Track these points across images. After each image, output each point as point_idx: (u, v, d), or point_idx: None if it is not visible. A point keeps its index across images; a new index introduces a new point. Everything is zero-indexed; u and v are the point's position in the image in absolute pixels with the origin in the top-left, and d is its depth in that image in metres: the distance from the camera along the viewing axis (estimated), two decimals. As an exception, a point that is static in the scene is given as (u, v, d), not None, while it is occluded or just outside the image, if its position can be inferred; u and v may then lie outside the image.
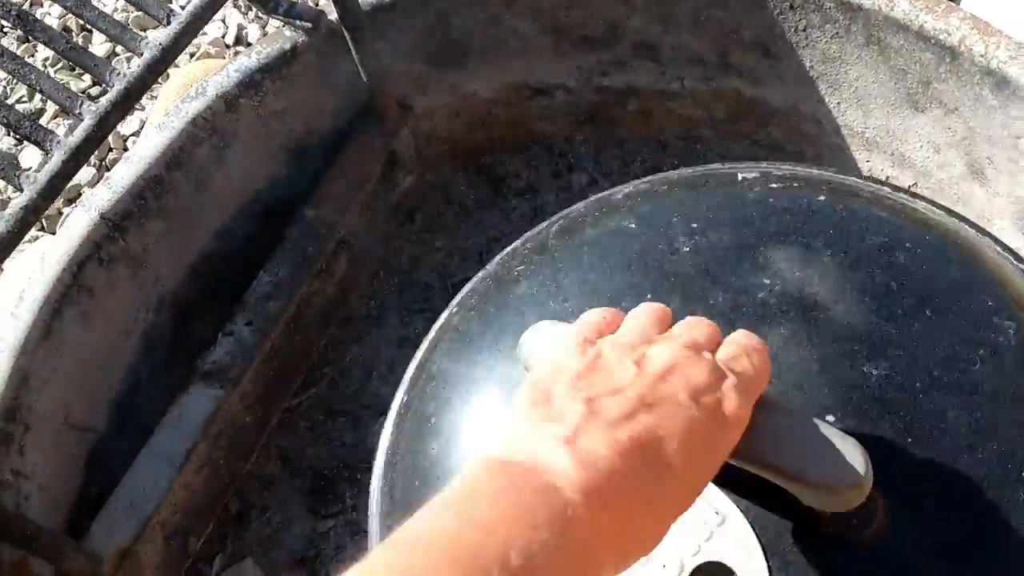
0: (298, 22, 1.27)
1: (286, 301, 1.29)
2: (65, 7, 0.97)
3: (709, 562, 0.58)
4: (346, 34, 1.27)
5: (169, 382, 1.32)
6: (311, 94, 1.36)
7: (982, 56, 1.16)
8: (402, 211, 1.55)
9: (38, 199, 0.92)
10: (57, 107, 1.09)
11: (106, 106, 0.96)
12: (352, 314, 1.50)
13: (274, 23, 1.58)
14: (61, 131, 0.99)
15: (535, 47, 1.44)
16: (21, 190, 0.93)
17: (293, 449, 1.40)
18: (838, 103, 1.37)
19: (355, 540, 1.32)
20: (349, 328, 1.49)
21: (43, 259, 1.15)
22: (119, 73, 0.98)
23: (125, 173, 1.20)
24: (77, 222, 1.17)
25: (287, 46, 1.30)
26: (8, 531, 0.98)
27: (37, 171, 0.94)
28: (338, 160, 1.36)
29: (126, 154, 1.23)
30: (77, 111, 0.96)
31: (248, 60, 1.28)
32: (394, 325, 1.50)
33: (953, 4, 1.20)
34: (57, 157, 0.94)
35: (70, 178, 0.95)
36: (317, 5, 1.34)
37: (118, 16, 1.85)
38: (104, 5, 1.92)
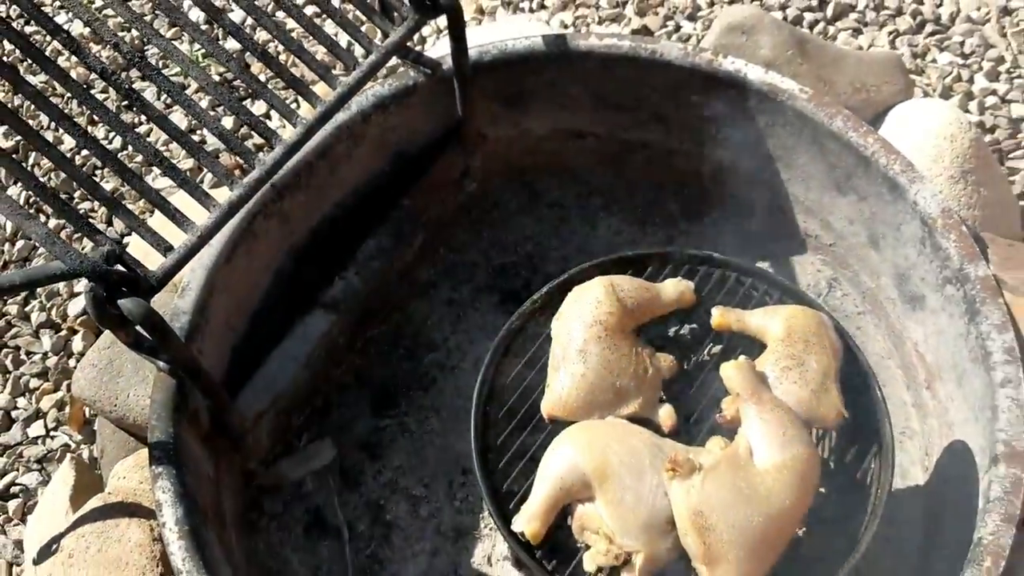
0: (422, 68, 1.80)
1: (383, 262, 1.82)
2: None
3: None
4: (455, 80, 1.80)
5: (284, 307, 1.84)
6: (418, 117, 1.88)
7: (884, 166, 1.71)
8: (464, 207, 2.08)
9: (265, 176, 1.45)
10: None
11: (311, 121, 1.49)
12: (418, 278, 2.03)
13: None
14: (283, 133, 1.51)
15: (579, 105, 1.98)
16: (253, 167, 1.45)
17: (366, 367, 1.93)
18: (788, 178, 1.92)
19: (405, 436, 1.85)
20: (414, 286, 2.02)
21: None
22: (320, 98, 1.51)
23: (292, 158, 1.72)
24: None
25: (410, 83, 1.83)
26: (205, 386, 1.50)
27: (264, 156, 1.46)
28: (433, 166, 1.89)
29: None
30: (294, 122, 1.48)
31: (382, 89, 1.81)
32: (446, 289, 2.03)
33: (872, 128, 1.75)
34: (278, 150, 1.46)
35: (282, 166, 1.47)
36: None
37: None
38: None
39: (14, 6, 1.81)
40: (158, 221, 1.42)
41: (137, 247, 1.63)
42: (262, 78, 2.36)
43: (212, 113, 2.36)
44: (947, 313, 1.65)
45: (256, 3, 1.54)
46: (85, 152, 2.37)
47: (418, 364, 1.94)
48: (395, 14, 1.64)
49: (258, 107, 2.49)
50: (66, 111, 2.37)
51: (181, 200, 1.47)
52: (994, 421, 1.46)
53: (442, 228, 2.03)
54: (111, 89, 1.39)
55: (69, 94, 1.49)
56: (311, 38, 1.58)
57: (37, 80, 2.56)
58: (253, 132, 1.45)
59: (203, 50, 2.10)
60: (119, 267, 1.30)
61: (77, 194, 2.40)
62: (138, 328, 1.35)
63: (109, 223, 2.36)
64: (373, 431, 1.87)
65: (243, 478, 1.77)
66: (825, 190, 1.87)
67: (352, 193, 1.91)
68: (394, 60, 1.72)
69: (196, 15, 2.58)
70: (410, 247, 1.91)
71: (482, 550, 1.73)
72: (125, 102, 2.44)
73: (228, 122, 2.40)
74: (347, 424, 1.88)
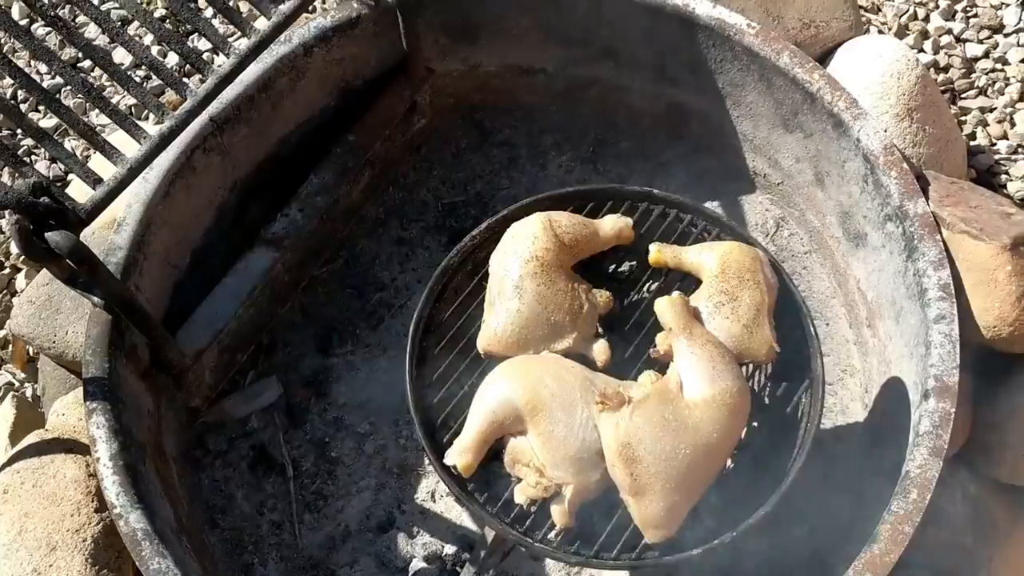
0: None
1: (327, 198, 1.80)
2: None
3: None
4: (397, 12, 1.77)
5: (228, 244, 1.82)
6: (363, 51, 1.85)
7: (829, 103, 1.70)
8: (413, 145, 2.05)
9: (197, 107, 1.42)
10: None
11: (245, 51, 1.45)
12: (366, 215, 2.01)
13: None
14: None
15: (530, 39, 1.95)
16: (186, 99, 1.42)
17: (313, 306, 1.92)
18: (737, 116, 1.91)
19: (351, 375, 1.85)
20: (362, 225, 2.00)
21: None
22: (255, 29, 1.47)
23: (231, 90, 1.68)
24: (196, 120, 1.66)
25: (353, 15, 1.79)
26: (140, 322, 1.49)
27: (196, 88, 1.43)
28: (376, 102, 1.86)
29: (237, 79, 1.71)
30: (227, 51, 1.45)
31: (325, 21, 1.78)
32: (395, 228, 2.02)
33: (818, 64, 1.74)
34: (211, 81, 1.43)
35: (214, 98, 1.44)
36: (377, -14, 1.83)
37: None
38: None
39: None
40: (99, 163, 1.40)
41: (78, 189, 1.61)
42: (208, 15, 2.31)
43: (156, 49, 2.30)
44: (887, 250, 1.66)
45: (188, -71, 1.50)
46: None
47: (366, 303, 1.94)
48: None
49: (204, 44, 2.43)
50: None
51: (121, 139, 1.44)
52: (927, 357, 1.48)
53: (390, 166, 2.01)
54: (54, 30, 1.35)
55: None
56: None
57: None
58: (184, 60, 1.41)
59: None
60: (46, 199, 1.28)
61: (10, 132, 2.34)
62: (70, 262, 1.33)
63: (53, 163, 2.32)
64: (320, 369, 1.87)
65: (187, 415, 1.77)
66: (773, 127, 1.86)
67: (297, 128, 1.88)
68: (336, -9, 1.68)
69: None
70: (355, 184, 1.89)
71: (426, 486, 1.75)
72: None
73: (173, 59, 2.35)
74: (293, 362, 1.88)
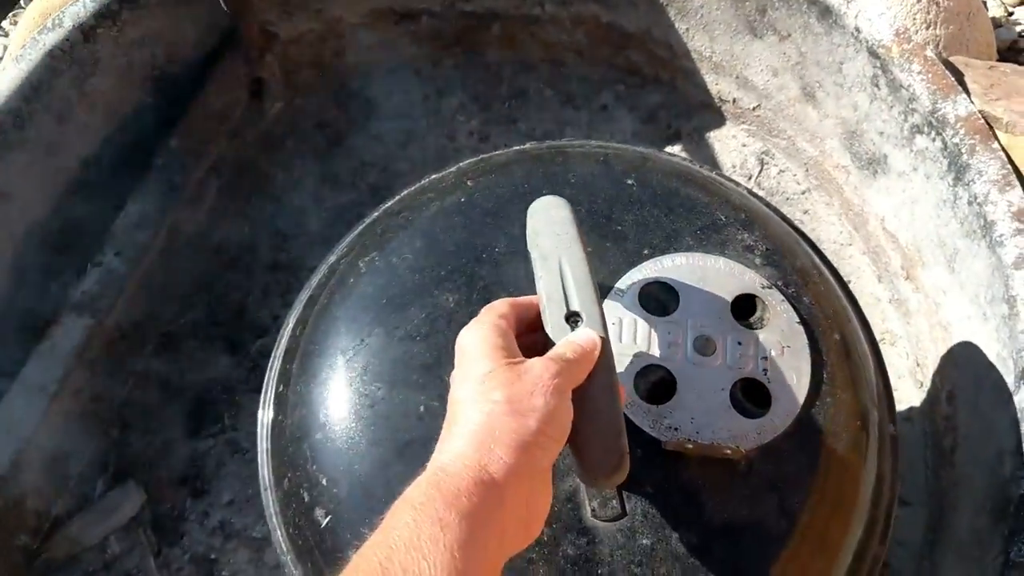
0: (151, -50, 1.26)
1: (154, 230, 1.31)
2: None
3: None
4: (201, -38, 1.27)
5: (43, 313, 1.34)
6: (170, 23, 1.36)
7: (809, -14, 1.24)
8: (273, 137, 1.57)
9: None
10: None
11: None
12: (226, 240, 1.53)
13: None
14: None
15: (397, -27, 1.47)
16: None
17: (171, 374, 1.44)
18: (687, 29, 1.44)
19: (235, 458, 1.38)
20: (222, 254, 1.52)
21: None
22: (-40, 9, 0.98)
23: (-22, 108, 1.20)
24: (-67, 158, 1.17)
25: (142, -25, 1.30)
26: None
27: None
28: (203, 89, 1.37)
29: (-19, 89, 1.22)
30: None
31: (102, -10, 1.28)
32: (268, 249, 1.53)
33: (784, -64, 1.27)
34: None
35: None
36: (172, -69, 1.33)
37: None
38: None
39: None
40: None
41: None
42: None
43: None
44: (921, 173, 1.20)
45: None
46: None
47: (242, 357, 1.46)
48: None
49: None
50: None
51: None
52: (1014, 319, 1.02)
53: (245, 169, 1.52)
54: None
55: None
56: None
57: None
58: None
59: None
60: None
61: None
62: None
63: None
64: (192, 458, 1.39)
65: (22, 557, 1.29)
66: (736, 35, 1.39)
67: (106, 144, 1.39)
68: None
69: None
70: (197, 203, 1.41)
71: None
72: None
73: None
74: (155, 456, 1.40)
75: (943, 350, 1.22)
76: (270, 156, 1.57)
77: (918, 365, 1.31)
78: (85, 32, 1.28)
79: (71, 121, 1.32)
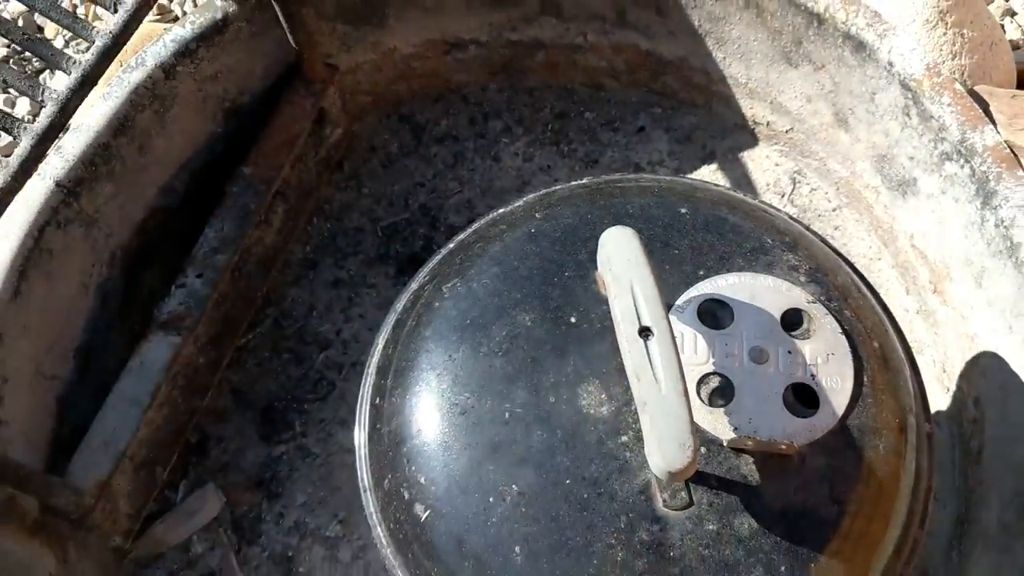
0: (229, -6, 1.36)
1: (231, 253, 1.41)
2: (21, 1, 1.06)
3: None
4: (273, 2, 1.37)
5: (124, 330, 1.44)
6: (242, 59, 1.45)
7: (843, 23, 1.33)
8: (332, 162, 1.66)
9: (12, 182, 1.03)
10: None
11: (66, 93, 1.06)
12: (290, 259, 1.63)
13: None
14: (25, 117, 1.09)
15: (448, 5, 1.56)
16: (16, 137, 1.03)
17: (244, 385, 1.54)
18: (723, 57, 1.53)
19: (306, 462, 1.48)
20: (288, 272, 1.62)
21: (5, 227, 1.24)
22: (75, 61, 1.08)
23: (75, 142, 1.30)
24: (35, 190, 1.27)
25: (218, 15, 1.39)
26: (8, 476, 1.11)
27: (7, 156, 1.04)
28: (271, 119, 1.46)
29: (74, 124, 1.32)
30: (40, 98, 1.06)
31: (183, 30, 1.38)
32: (329, 267, 1.63)
33: (818, -26, 1.36)
34: (26, 142, 1.04)
35: (39, 161, 1.05)
36: (244, -26, 1.42)
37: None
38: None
39: None
40: None
41: None
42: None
43: None
44: (950, 197, 1.29)
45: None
46: None
47: (309, 368, 1.56)
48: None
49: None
50: None
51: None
52: (1040, 335, 1.12)
53: (308, 194, 1.62)
54: None
55: None
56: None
57: None
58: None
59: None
60: None
61: None
62: None
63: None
64: (266, 463, 1.49)
65: (112, 556, 1.39)
66: (771, 64, 1.48)
67: (180, 171, 1.49)
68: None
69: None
70: (266, 226, 1.50)
71: (423, 590, 1.38)
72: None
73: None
74: (232, 461, 1.50)
75: (969, 358, 1.32)
76: (330, 179, 1.67)
77: (944, 372, 1.40)
78: (166, 70, 1.38)
79: (151, 152, 1.42)
